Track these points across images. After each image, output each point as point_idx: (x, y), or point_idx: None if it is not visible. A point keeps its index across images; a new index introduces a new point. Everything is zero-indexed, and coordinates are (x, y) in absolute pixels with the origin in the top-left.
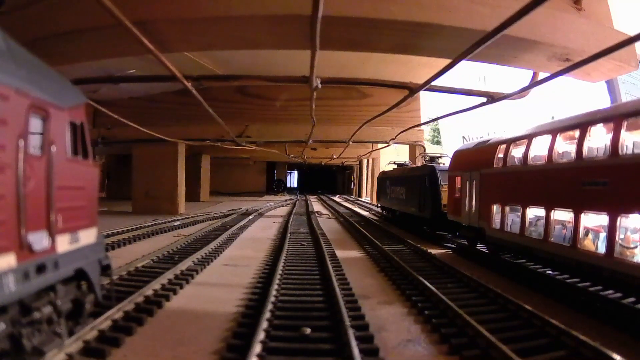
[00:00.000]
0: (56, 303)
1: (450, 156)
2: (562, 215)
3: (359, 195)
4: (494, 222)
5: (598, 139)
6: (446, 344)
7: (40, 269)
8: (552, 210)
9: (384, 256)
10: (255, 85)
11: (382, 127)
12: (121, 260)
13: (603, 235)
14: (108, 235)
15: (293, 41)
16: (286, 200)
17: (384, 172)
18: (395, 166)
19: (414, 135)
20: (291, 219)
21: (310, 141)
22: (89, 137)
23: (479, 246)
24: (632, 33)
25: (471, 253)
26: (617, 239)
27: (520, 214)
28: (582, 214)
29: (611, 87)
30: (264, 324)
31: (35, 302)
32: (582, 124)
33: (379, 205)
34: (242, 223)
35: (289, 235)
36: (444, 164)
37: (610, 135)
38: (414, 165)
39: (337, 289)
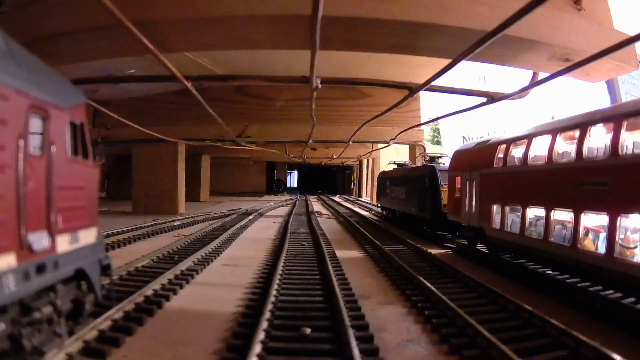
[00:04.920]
0: (56, 303)
1: (450, 156)
2: (562, 215)
3: (359, 195)
4: (494, 222)
5: (598, 139)
6: (446, 344)
7: (40, 269)
8: (552, 210)
9: (384, 256)
10: (255, 85)
11: (382, 127)
12: (121, 260)
13: (603, 235)
14: (108, 235)
15: (293, 41)
16: (286, 200)
17: (384, 172)
18: (395, 166)
19: (414, 135)
20: (291, 219)
21: (310, 141)
22: (89, 137)
23: (479, 246)
24: (632, 33)
25: (471, 253)
26: (617, 239)
27: (520, 214)
28: (582, 214)
29: (611, 87)
30: (264, 324)
31: (35, 302)
32: (582, 124)
33: (379, 205)
34: (242, 223)
35: (289, 235)
36: (444, 164)
37: (610, 136)
38: (414, 165)
39: (337, 289)
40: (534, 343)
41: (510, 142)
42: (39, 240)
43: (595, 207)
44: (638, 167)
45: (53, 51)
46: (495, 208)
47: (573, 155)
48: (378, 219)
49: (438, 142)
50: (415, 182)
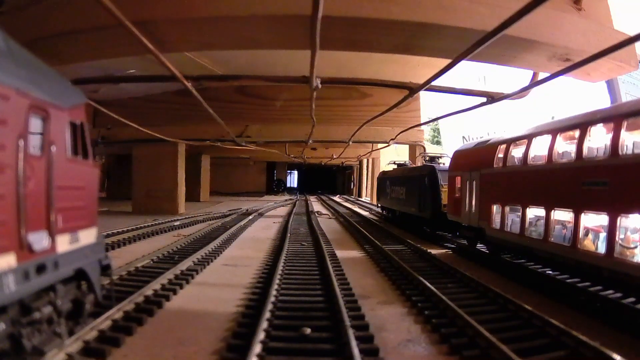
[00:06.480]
0: (56, 303)
1: (450, 156)
2: (562, 215)
3: (359, 195)
4: (494, 222)
5: (598, 139)
6: (446, 344)
7: (40, 269)
8: (552, 210)
9: (384, 256)
10: (255, 85)
11: (382, 127)
12: (121, 260)
13: (603, 235)
14: (108, 235)
15: (293, 41)
16: (286, 200)
17: (384, 172)
18: (395, 166)
19: (414, 135)
20: (291, 219)
21: (310, 141)
22: (89, 137)
23: (479, 246)
24: (632, 33)
25: (471, 253)
26: (617, 239)
27: (520, 214)
28: (582, 214)
29: (611, 87)
30: (264, 324)
31: (35, 302)
32: (582, 124)
33: (379, 205)
34: (242, 223)
35: (289, 235)
36: (444, 164)
37: (610, 135)
38: (414, 165)
39: (337, 289)
40: (534, 343)
41: (510, 142)
42: (39, 240)
43: (595, 207)
44: (638, 167)
45: (53, 51)
46: (495, 208)
47: (573, 155)
48: (378, 219)
49: (438, 142)
50: (415, 182)
